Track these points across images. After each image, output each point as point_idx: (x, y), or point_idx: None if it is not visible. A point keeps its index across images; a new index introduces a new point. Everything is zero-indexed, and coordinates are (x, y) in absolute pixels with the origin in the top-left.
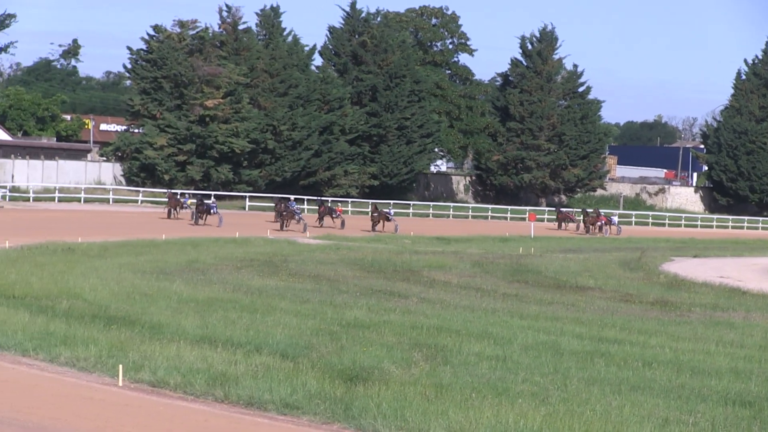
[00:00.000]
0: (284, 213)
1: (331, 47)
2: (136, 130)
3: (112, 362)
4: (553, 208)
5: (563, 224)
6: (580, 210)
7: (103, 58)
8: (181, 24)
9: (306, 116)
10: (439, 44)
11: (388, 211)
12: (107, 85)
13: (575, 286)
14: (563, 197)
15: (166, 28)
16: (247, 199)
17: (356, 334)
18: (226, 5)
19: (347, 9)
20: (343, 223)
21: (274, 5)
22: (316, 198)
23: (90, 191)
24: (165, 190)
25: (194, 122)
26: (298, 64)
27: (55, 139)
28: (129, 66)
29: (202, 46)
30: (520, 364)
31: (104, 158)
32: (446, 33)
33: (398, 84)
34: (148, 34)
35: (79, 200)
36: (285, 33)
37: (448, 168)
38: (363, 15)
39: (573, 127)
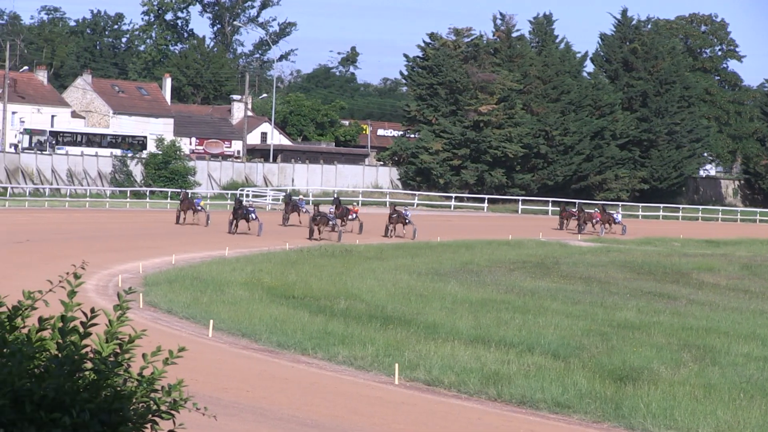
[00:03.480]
0: (315, 217)
1: (602, 54)
2: (412, 135)
3: (388, 361)
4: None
5: (566, 222)
6: (577, 205)
7: (380, 65)
8: (457, 32)
9: (578, 121)
10: (708, 51)
11: (405, 212)
12: (384, 91)
13: None
14: None
15: (442, 36)
16: (520, 202)
17: (626, 334)
18: (501, 13)
19: (618, 16)
20: (361, 227)
21: (547, 13)
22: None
23: (367, 194)
24: (440, 194)
25: (469, 127)
26: (570, 71)
27: (333, 144)
28: (405, 73)
29: (476, 53)
30: None
31: (381, 162)
32: (715, 40)
33: (668, 90)
34: (424, 41)
35: (356, 203)
36: (557, 40)
37: (716, 172)
38: (634, 22)
39: None
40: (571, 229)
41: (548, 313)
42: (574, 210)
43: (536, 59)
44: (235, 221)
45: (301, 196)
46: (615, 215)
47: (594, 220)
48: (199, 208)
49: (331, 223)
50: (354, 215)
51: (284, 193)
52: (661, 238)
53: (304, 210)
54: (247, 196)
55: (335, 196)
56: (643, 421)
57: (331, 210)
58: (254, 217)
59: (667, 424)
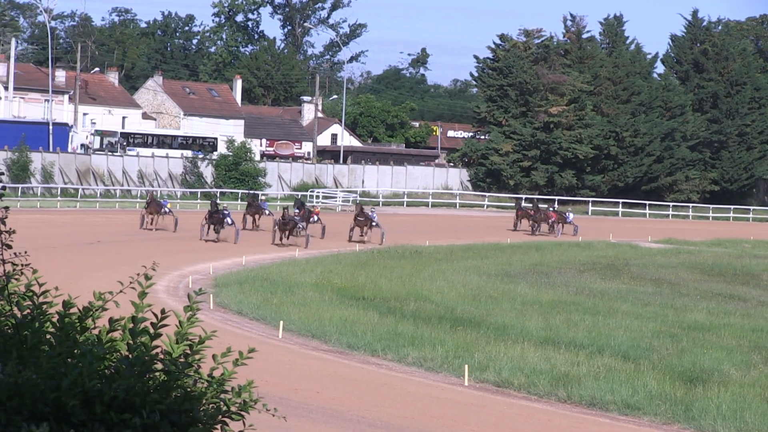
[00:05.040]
0: (285, 221)
1: (672, 55)
2: (483, 137)
3: (458, 362)
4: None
5: (520, 222)
6: (531, 205)
7: (450, 67)
8: (527, 33)
9: (648, 123)
10: None
11: (372, 214)
12: (454, 92)
13: None
14: None
15: (512, 38)
16: (590, 203)
17: (696, 336)
18: (571, 14)
19: (689, 18)
20: (323, 230)
21: (618, 14)
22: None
23: (437, 196)
24: (511, 195)
25: (539, 129)
26: (640, 72)
27: (404, 145)
28: (475, 74)
29: (546, 55)
30: None
31: (451, 164)
32: None
33: (739, 91)
34: (494, 43)
35: (426, 204)
36: (628, 41)
37: None
38: (704, 24)
39: None
40: (525, 229)
41: (618, 315)
42: (530, 209)
43: (606, 60)
44: (208, 226)
45: (263, 198)
46: (566, 215)
47: (550, 220)
48: (167, 210)
49: (298, 226)
50: (316, 217)
51: (249, 193)
52: (731, 240)
53: (266, 212)
54: (317, 197)
55: (298, 199)
56: (713, 423)
57: (295, 212)
58: (230, 222)
59: (737, 426)
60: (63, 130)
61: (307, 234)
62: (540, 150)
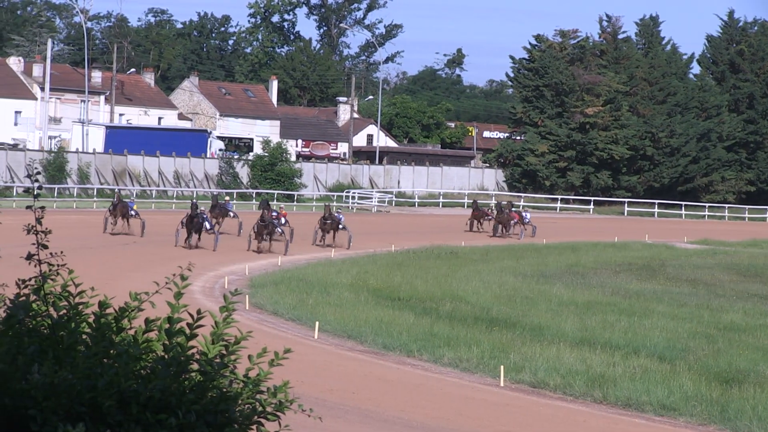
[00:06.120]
0: (262, 225)
1: (708, 55)
2: (518, 137)
3: (493, 363)
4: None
5: (478, 223)
6: (495, 204)
7: (486, 67)
8: (563, 34)
9: (684, 123)
10: None
11: (339, 215)
12: (490, 93)
13: None
14: None
15: (548, 38)
16: (626, 204)
17: (732, 337)
18: (607, 15)
19: (725, 18)
20: (291, 234)
21: (653, 15)
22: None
23: (473, 197)
24: (547, 196)
25: (575, 129)
26: (676, 73)
27: (439, 146)
28: (511, 75)
29: (582, 55)
30: None
31: (487, 165)
32: None
33: None
34: (530, 43)
35: (462, 205)
36: (664, 42)
37: None
38: (740, 24)
39: None
40: (486, 231)
41: (654, 316)
42: (489, 210)
43: (642, 61)
44: (186, 231)
45: (227, 198)
46: (524, 215)
47: (513, 221)
48: (133, 213)
49: (277, 230)
50: (283, 219)
51: (211, 193)
52: (767, 241)
53: (231, 215)
54: (353, 198)
55: (264, 199)
56: (749, 423)
57: (273, 214)
58: (209, 227)
59: None
60: (202, 137)
61: (286, 239)
62: (576, 151)
